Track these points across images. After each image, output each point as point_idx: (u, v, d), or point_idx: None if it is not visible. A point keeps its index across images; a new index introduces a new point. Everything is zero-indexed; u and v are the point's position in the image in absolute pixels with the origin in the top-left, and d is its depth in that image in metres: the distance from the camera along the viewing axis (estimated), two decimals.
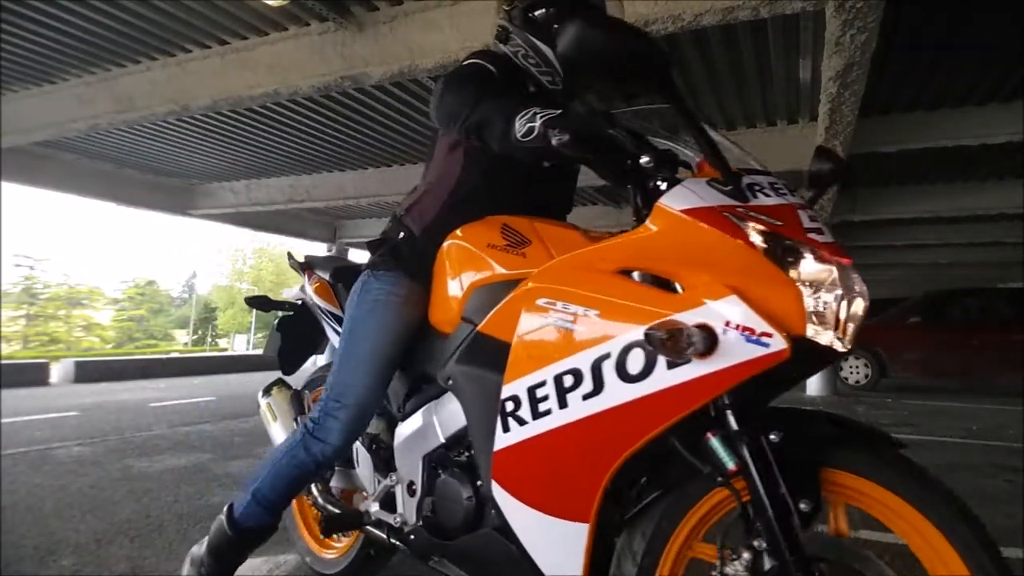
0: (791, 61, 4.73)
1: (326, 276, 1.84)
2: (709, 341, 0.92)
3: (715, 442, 1.00)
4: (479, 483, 1.31)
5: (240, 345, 39.16)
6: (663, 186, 1.07)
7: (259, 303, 2.11)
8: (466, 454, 1.39)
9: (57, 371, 10.00)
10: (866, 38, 3.16)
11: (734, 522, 1.03)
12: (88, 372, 10.04)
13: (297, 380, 2.04)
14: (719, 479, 1.00)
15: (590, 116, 1.07)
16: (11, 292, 34.42)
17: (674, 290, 1.04)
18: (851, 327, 0.96)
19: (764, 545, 0.96)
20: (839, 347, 0.95)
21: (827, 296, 0.95)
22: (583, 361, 1.05)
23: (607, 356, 1.02)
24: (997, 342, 8.67)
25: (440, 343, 1.42)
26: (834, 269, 0.96)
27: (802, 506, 0.95)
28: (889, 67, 4.72)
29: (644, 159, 1.06)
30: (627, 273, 1.10)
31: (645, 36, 0.97)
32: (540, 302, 1.13)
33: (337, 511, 1.65)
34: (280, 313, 2.11)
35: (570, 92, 1.53)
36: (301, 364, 2.08)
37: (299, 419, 1.61)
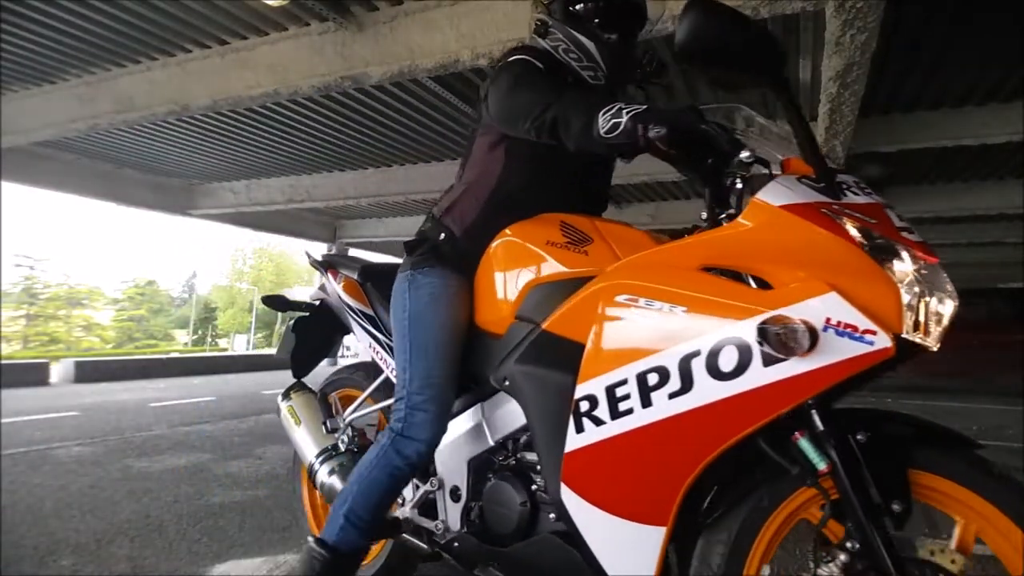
0: (791, 61, 4.73)
1: (354, 275, 1.79)
2: (813, 338, 0.91)
3: (804, 442, 0.98)
4: (534, 487, 1.29)
5: (240, 345, 39.15)
6: (755, 182, 1.06)
7: (276, 303, 2.05)
8: (514, 458, 1.35)
9: (57, 371, 10.00)
10: (866, 38, 3.16)
11: (820, 523, 1.02)
12: (88, 372, 10.04)
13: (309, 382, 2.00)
14: (808, 480, 0.98)
15: (682, 110, 1.06)
16: (11, 292, 34.45)
17: (763, 287, 1.02)
18: (940, 326, 0.96)
19: (857, 546, 0.95)
20: (930, 346, 0.95)
21: (919, 294, 0.94)
22: (670, 358, 1.02)
23: (697, 353, 0.99)
24: (997, 342, 8.67)
25: (489, 344, 1.38)
26: (926, 268, 0.95)
27: (894, 507, 0.94)
28: (889, 67, 4.71)
29: (744, 154, 1.05)
30: (709, 271, 1.07)
31: (765, 27, 0.97)
32: (620, 299, 1.10)
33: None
34: (295, 314, 2.06)
35: (611, 88, 1.49)
36: (314, 366, 2.02)
37: (387, 427, 1.45)
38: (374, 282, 1.74)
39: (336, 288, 1.83)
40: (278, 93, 4.71)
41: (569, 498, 1.13)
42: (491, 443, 1.38)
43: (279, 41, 4.60)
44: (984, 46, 4.38)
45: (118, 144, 7.85)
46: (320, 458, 1.73)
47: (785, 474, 1.02)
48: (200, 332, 45.96)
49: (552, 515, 1.23)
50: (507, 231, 1.38)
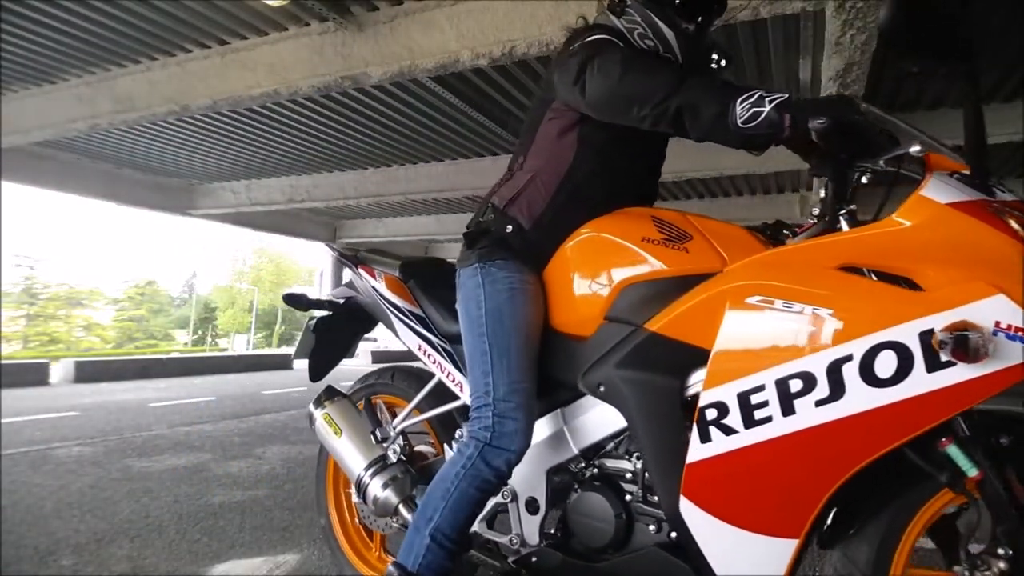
0: (791, 61, 4.73)
1: (394, 272, 1.68)
2: (985, 343, 0.86)
3: (953, 449, 0.94)
4: (628, 497, 1.24)
5: (240, 345, 39.16)
6: (898, 178, 1.02)
7: (297, 301, 1.87)
8: (595, 467, 1.30)
9: (57, 371, 10.00)
10: (866, 38, 3.16)
11: (968, 528, 1.00)
12: (88, 372, 10.04)
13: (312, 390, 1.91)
14: (956, 487, 0.95)
15: (831, 100, 1.01)
16: (11, 292, 34.45)
17: (910, 287, 0.98)
18: None
19: (1010, 552, 0.93)
20: None
21: None
22: (816, 364, 0.96)
23: (848, 358, 0.93)
24: None
25: (570, 346, 1.30)
26: None
27: None
28: (889, 67, 4.72)
29: (915, 148, 0.99)
30: (847, 270, 1.02)
31: (966, 14, 0.95)
32: (753, 300, 1.03)
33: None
34: (311, 313, 1.93)
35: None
36: (331, 369, 1.90)
37: (467, 435, 1.32)
38: (417, 279, 1.64)
39: (376, 285, 1.70)
40: (278, 93, 4.72)
41: (690, 511, 1.07)
42: (574, 451, 1.31)
43: (279, 41, 4.61)
44: (984, 46, 4.38)
45: (118, 144, 7.85)
46: (370, 470, 1.58)
47: (926, 479, 0.98)
48: (200, 332, 45.97)
49: (652, 527, 1.19)
50: (591, 226, 1.30)
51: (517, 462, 1.29)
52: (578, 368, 1.27)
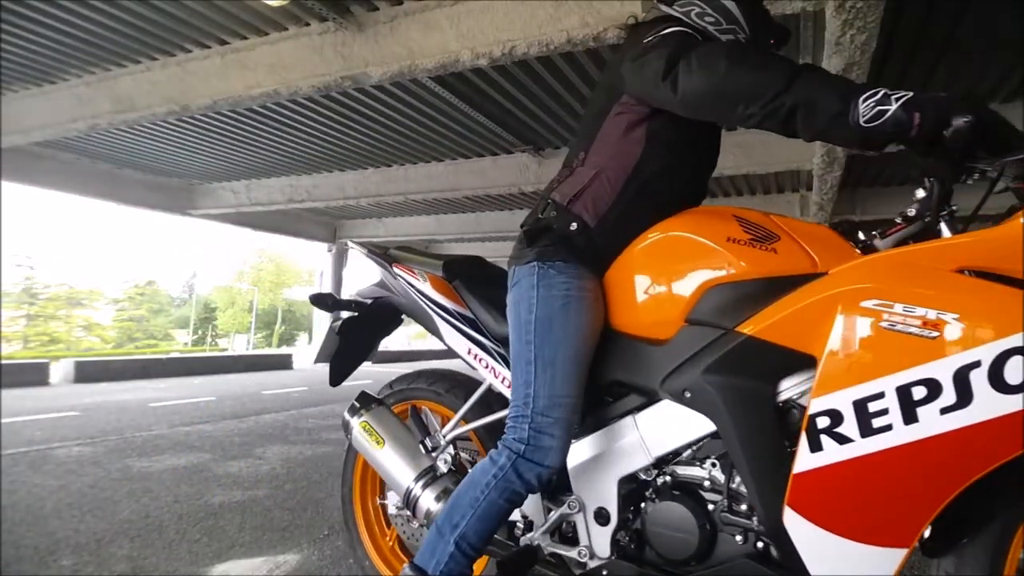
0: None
1: (437, 272, 1.60)
2: None
3: None
4: (710, 506, 1.21)
5: (240, 345, 39.17)
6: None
7: (322, 302, 1.77)
8: (668, 474, 1.27)
9: (57, 371, 9.99)
10: (866, 38, 3.16)
11: None
12: (88, 372, 10.04)
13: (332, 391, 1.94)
14: None
15: (953, 98, 0.97)
16: (11, 292, 34.45)
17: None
18: None
19: None
20: None
21: None
22: (942, 370, 0.93)
23: (976, 364, 0.91)
24: None
25: (644, 349, 1.26)
26: None
27: None
28: (889, 67, 4.72)
29: None
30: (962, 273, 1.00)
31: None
32: (868, 304, 0.99)
33: (508, 550, 1.42)
34: (331, 315, 1.84)
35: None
36: (350, 373, 1.82)
37: (501, 444, 1.28)
38: (462, 279, 1.57)
39: (419, 286, 1.61)
40: (278, 93, 4.72)
41: (794, 522, 1.03)
42: (651, 459, 1.26)
43: (279, 41, 4.61)
44: (984, 46, 4.38)
45: (118, 144, 7.85)
46: (420, 482, 1.50)
47: None
48: (200, 332, 46.00)
49: (739, 537, 1.17)
50: (667, 225, 1.26)
51: (550, 478, 1.25)
52: (654, 372, 1.23)
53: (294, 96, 4.86)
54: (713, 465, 1.22)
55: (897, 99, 0.97)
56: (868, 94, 1.00)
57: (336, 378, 1.80)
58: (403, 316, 1.83)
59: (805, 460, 1.02)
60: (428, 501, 1.47)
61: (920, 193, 1.11)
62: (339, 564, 2.18)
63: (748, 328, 1.12)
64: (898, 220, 1.13)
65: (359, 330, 1.79)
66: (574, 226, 1.31)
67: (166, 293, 49.75)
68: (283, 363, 14.09)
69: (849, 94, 1.01)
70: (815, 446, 1.01)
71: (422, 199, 9.74)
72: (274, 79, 4.63)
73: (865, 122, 0.99)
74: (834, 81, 1.06)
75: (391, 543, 1.85)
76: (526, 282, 1.31)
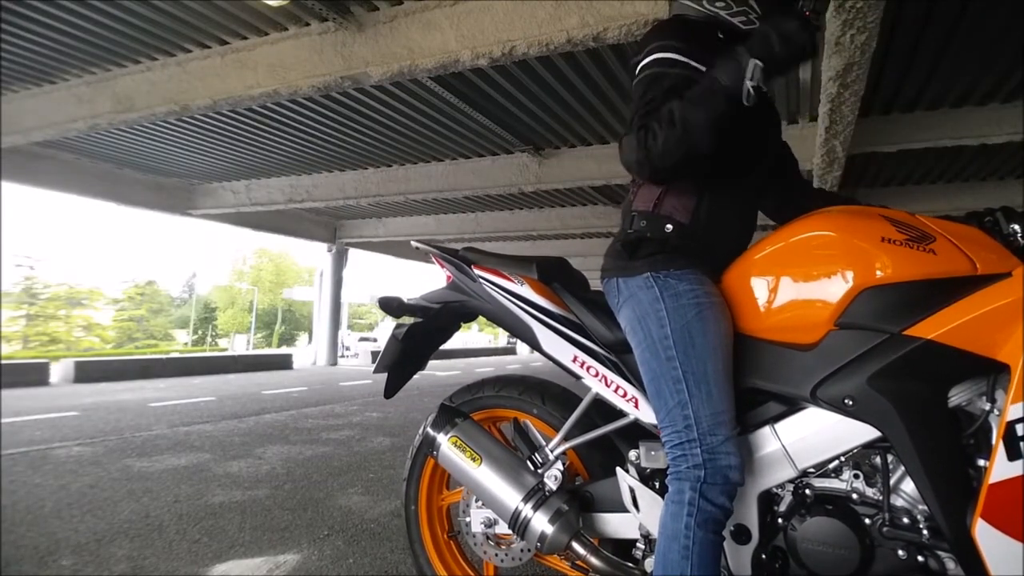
0: None
1: (531, 274, 1.51)
2: None
3: None
4: (867, 521, 1.16)
5: (240, 345, 39.15)
6: None
7: (389, 306, 1.63)
8: (807, 486, 1.21)
9: (57, 371, 10.01)
10: (866, 38, 3.16)
11: None
12: (88, 372, 10.05)
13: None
14: None
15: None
16: (11, 292, 34.44)
17: None
18: None
19: None
20: None
21: None
22: None
23: None
24: None
25: (783, 354, 1.21)
26: None
27: None
28: (889, 67, 4.72)
29: None
30: None
31: None
32: None
33: (625, 571, 1.34)
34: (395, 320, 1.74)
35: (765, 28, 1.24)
36: (403, 385, 1.69)
37: (673, 478, 1.20)
38: (561, 281, 1.50)
39: (516, 289, 1.50)
40: (278, 93, 4.72)
41: (988, 534, 0.99)
42: (796, 471, 1.19)
43: (279, 41, 4.61)
44: (984, 46, 4.38)
45: (118, 144, 7.85)
46: (530, 503, 1.38)
47: None
48: (200, 332, 45.96)
49: (901, 551, 1.12)
50: (810, 224, 1.22)
51: (735, 492, 1.18)
52: (802, 379, 1.17)
53: (294, 96, 4.86)
54: (856, 476, 1.17)
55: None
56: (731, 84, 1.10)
57: (392, 389, 1.67)
58: (461, 322, 1.71)
59: (1003, 469, 0.98)
60: (541, 523, 1.36)
61: None
62: (339, 564, 2.18)
63: (923, 332, 1.07)
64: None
65: (419, 339, 1.65)
66: (669, 227, 1.27)
67: (166, 293, 49.70)
68: (283, 363, 14.11)
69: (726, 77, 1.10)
70: (1014, 454, 0.97)
71: (422, 199, 9.74)
72: (274, 79, 4.63)
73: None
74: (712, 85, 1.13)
75: (455, 550, 1.73)
76: (645, 295, 1.25)
